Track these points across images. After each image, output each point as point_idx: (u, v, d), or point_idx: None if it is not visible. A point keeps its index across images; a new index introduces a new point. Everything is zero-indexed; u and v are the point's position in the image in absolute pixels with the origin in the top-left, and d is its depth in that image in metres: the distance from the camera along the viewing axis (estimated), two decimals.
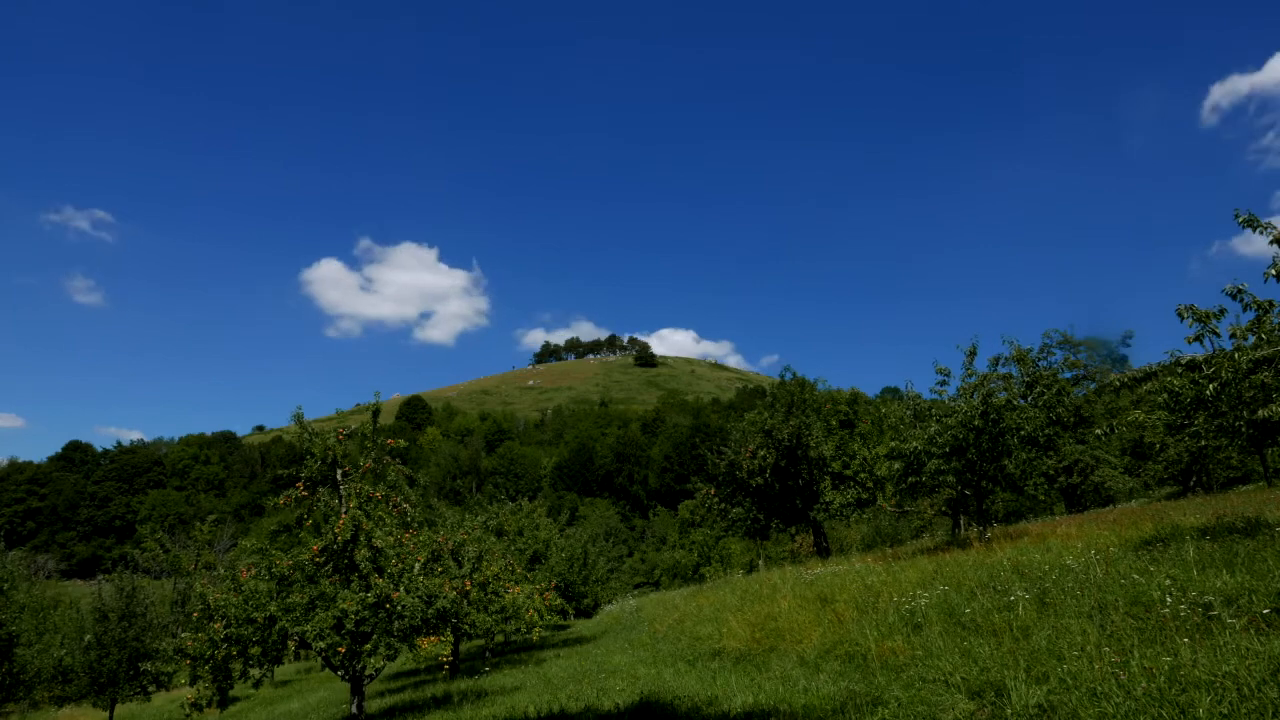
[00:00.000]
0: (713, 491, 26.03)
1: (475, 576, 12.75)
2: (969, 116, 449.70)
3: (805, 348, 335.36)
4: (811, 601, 12.05)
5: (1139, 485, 32.93)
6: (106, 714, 23.71)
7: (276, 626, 10.43)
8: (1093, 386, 30.01)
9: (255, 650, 10.65)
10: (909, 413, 18.47)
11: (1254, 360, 8.12)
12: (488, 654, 20.16)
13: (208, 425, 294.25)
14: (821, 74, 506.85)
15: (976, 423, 15.45)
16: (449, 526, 15.64)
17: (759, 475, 23.89)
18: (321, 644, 10.36)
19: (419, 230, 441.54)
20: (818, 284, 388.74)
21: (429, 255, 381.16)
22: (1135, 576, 7.96)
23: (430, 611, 11.08)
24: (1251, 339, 8.28)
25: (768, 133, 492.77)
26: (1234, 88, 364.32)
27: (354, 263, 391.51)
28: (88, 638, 22.36)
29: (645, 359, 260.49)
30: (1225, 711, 4.54)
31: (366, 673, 11.32)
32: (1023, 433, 15.72)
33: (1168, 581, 7.43)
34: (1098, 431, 11.03)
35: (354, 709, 11.53)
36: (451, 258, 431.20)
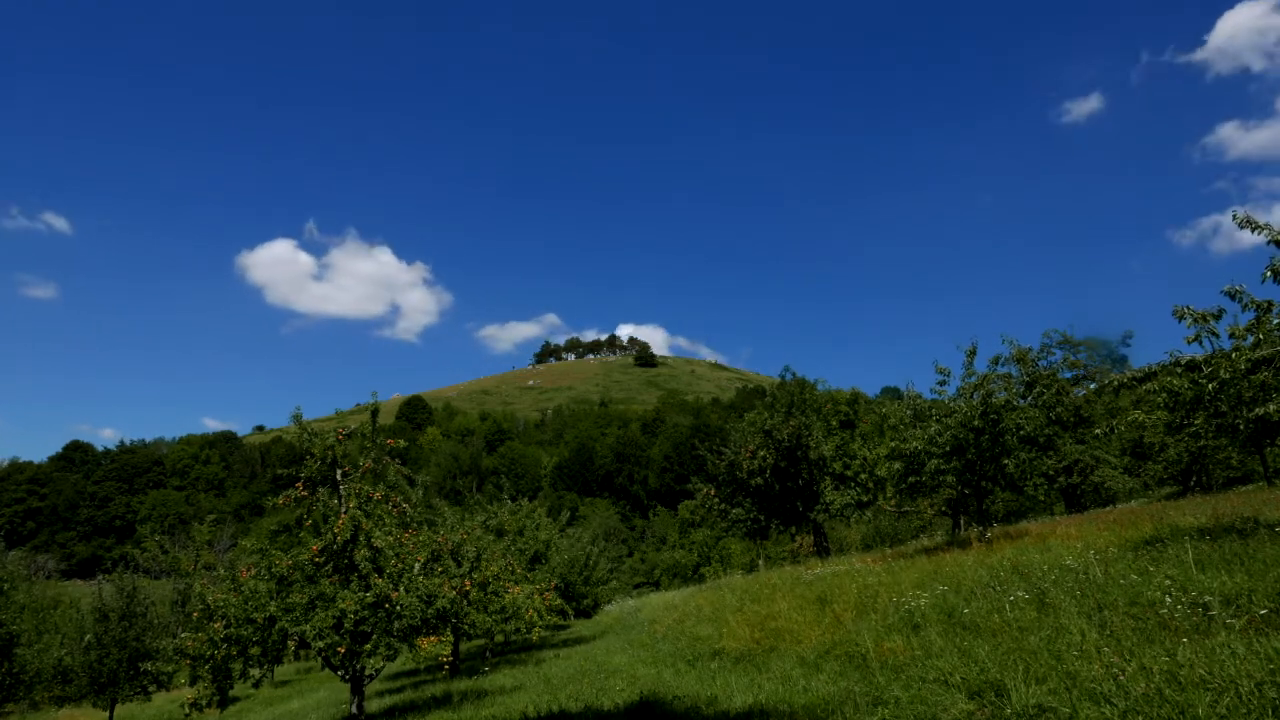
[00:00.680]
0: (713, 492, 26.02)
1: (475, 576, 12.75)
2: (969, 113, 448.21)
3: (779, 343, 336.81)
4: (811, 602, 12.05)
5: (1139, 485, 32.91)
6: (106, 714, 23.71)
7: (276, 626, 10.43)
8: (1093, 386, 29.98)
9: (255, 650, 10.65)
10: (909, 413, 18.47)
11: (1253, 360, 8.13)
12: (488, 654, 20.16)
13: (183, 427, 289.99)
14: (818, 71, 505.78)
15: (976, 423, 15.45)
16: (449, 526, 15.63)
17: (759, 475, 23.89)
18: (321, 644, 10.36)
19: (376, 228, 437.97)
20: (799, 283, 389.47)
21: (383, 252, 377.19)
22: (1135, 577, 7.96)
23: (430, 611, 11.08)
24: (1250, 339, 8.29)
25: (760, 129, 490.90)
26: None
27: (313, 254, 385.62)
28: (88, 638, 22.35)
29: (645, 359, 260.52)
30: (1224, 712, 4.54)
31: (366, 673, 11.33)
32: (1022, 433, 15.73)
33: (1167, 582, 7.43)
34: (1097, 431, 11.04)
35: (354, 709, 11.53)
36: (406, 254, 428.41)
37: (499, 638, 15.59)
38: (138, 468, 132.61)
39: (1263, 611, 6.00)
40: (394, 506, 12.10)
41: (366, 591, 10.68)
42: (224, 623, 10.57)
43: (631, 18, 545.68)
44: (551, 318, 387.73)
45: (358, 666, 11.00)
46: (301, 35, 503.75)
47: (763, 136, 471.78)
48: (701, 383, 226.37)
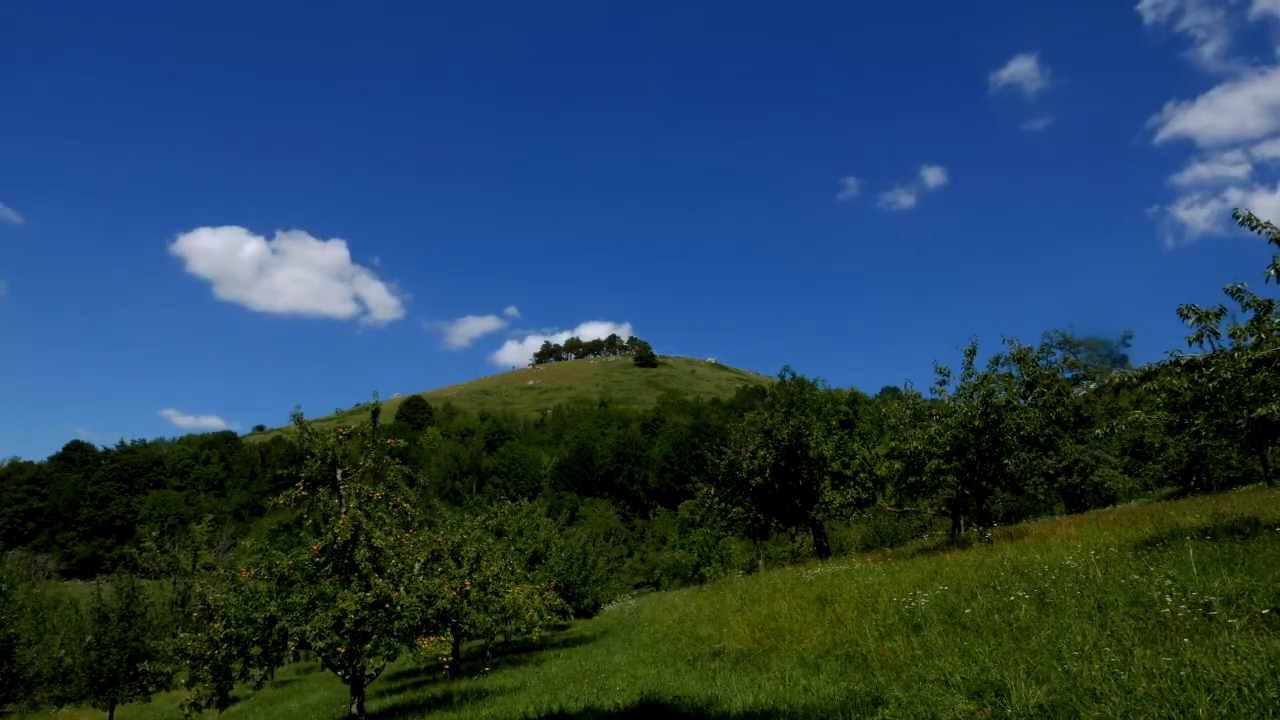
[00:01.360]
0: (713, 491, 26.04)
1: (475, 576, 12.75)
2: (965, 111, 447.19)
3: (779, 343, 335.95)
4: (811, 602, 12.05)
5: (1139, 485, 32.92)
6: (106, 714, 23.69)
7: (276, 626, 10.42)
8: (1093, 386, 30.00)
9: (255, 650, 10.64)
10: (909, 412, 18.48)
11: (1254, 360, 8.13)
12: (488, 654, 20.16)
13: (144, 424, 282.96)
14: (813, 67, 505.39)
15: (977, 423, 15.46)
16: (449, 526, 15.63)
17: (759, 475, 23.90)
18: (321, 644, 10.35)
19: (323, 224, 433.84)
20: (799, 284, 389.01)
21: (335, 247, 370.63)
22: (1135, 577, 7.96)
23: (430, 611, 11.08)
24: (1251, 339, 8.28)
25: (759, 127, 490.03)
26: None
27: (261, 241, 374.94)
28: (88, 638, 22.34)
29: (645, 359, 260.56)
30: (1225, 711, 4.54)
31: (366, 673, 11.32)
32: (1023, 433, 15.74)
33: (1168, 582, 7.42)
34: (1098, 431, 11.05)
35: (354, 709, 11.52)
36: (360, 252, 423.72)
37: (499, 638, 15.59)
38: (138, 468, 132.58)
39: (1264, 611, 6.00)
40: (394, 506, 12.09)
41: (367, 591, 10.68)
42: (224, 623, 10.57)
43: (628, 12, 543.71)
44: (512, 309, 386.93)
45: (358, 667, 10.98)
46: (257, 27, 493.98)
47: (762, 134, 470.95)
48: (701, 383, 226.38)
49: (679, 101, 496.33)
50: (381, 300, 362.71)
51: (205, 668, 10.71)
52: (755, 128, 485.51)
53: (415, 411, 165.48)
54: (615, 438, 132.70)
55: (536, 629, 13.35)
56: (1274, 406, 8.10)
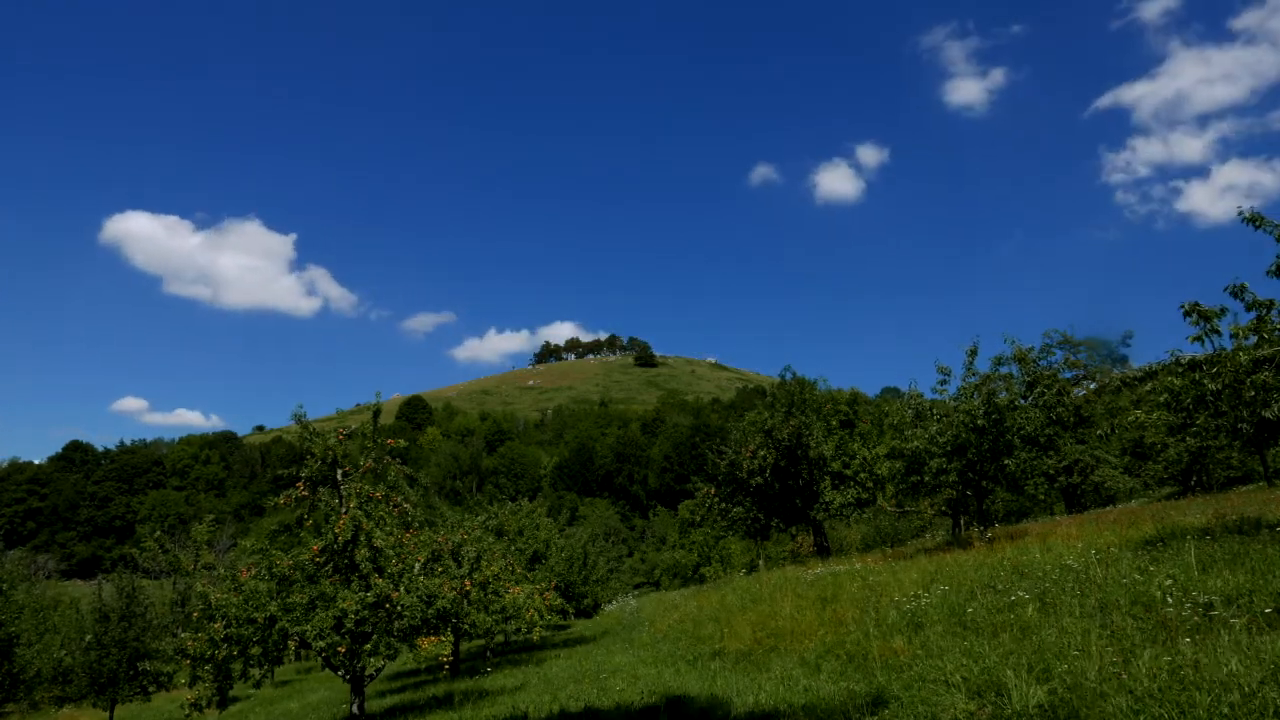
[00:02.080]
0: (713, 491, 26.03)
1: (475, 576, 12.75)
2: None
3: (779, 343, 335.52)
4: (812, 602, 12.05)
5: (1139, 485, 32.91)
6: (106, 714, 23.69)
7: (276, 626, 10.43)
8: (1093, 386, 29.99)
9: (255, 650, 10.65)
10: (910, 412, 18.48)
11: (1255, 359, 8.12)
12: (488, 654, 20.15)
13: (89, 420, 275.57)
14: (815, 68, 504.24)
15: (980, 422, 15.46)
16: (449, 526, 15.63)
17: (759, 475, 23.90)
18: (321, 644, 10.35)
19: (275, 217, 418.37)
20: (799, 283, 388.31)
21: (283, 240, 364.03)
22: (1136, 576, 7.96)
23: (430, 611, 11.08)
24: (1253, 338, 8.28)
25: (755, 125, 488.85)
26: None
27: (196, 229, 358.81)
28: (88, 638, 22.33)
29: (645, 359, 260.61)
30: (1226, 711, 4.53)
31: (367, 673, 11.32)
32: (1024, 432, 15.75)
33: (1168, 581, 7.42)
34: (1098, 431, 11.06)
35: (354, 709, 11.52)
36: (309, 250, 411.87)
37: (499, 638, 15.59)
38: (138, 468, 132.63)
39: (1265, 611, 6.00)
40: (395, 506, 12.10)
41: (367, 591, 10.68)
42: (224, 623, 10.57)
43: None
44: (461, 305, 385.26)
45: (358, 666, 10.98)
46: (208, 10, 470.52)
47: (760, 133, 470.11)
48: (701, 383, 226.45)
49: (665, 100, 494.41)
50: (334, 294, 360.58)
51: (206, 668, 10.72)
52: (757, 125, 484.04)
53: (415, 411, 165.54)
54: (615, 438, 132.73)
55: (537, 629, 13.35)
56: (1275, 407, 8.10)
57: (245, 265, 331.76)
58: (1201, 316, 8.22)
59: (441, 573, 11.97)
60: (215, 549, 45.87)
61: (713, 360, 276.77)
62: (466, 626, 12.55)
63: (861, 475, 24.50)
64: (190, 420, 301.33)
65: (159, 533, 45.80)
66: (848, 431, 26.33)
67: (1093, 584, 8.17)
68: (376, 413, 12.97)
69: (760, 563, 32.29)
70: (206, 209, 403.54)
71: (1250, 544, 8.34)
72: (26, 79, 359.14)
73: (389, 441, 12.57)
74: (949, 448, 15.72)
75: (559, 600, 15.80)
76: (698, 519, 36.20)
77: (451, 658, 17.30)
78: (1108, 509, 25.08)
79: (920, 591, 10.14)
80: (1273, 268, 7.48)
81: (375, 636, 10.65)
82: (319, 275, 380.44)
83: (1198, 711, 4.59)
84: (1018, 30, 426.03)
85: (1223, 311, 8.20)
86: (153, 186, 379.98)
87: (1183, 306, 8.33)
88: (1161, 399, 9.69)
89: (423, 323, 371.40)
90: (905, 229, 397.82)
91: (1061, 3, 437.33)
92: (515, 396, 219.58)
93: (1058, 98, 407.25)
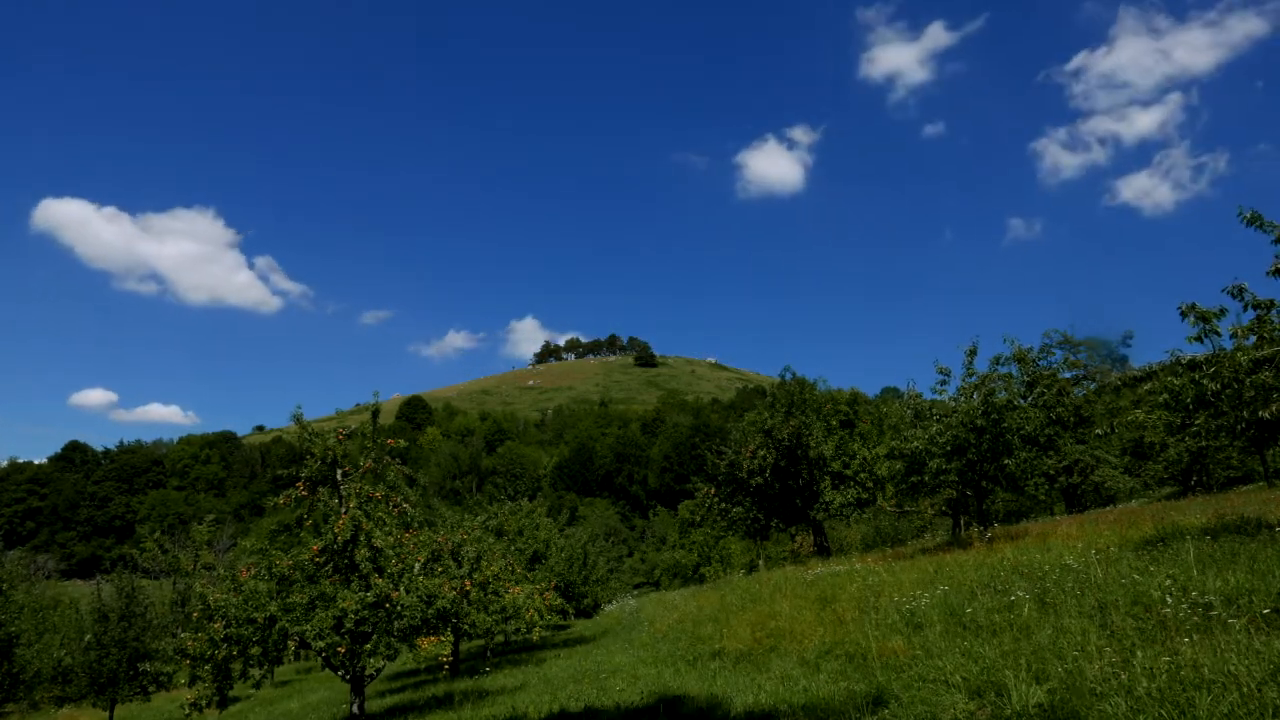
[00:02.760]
0: (713, 491, 26.04)
1: (475, 576, 12.75)
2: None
3: (779, 343, 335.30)
4: (812, 602, 12.05)
5: (1139, 485, 32.92)
6: (106, 714, 23.69)
7: (276, 626, 10.43)
8: (1093, 386, 30.01)
9: (255, 650, 10.65)
10: (910, 412, 18.48)
11: (1255, 360, 8.12)
12: (488, 654, 20.16)
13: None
14: (811, 67, 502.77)
15: (979, 422, 15.46)
16: (449, 526, 15.63)
17: (759, 475, 23.90)
18: (321, 644, 10.36)
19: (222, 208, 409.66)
20: (799, 283, 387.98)
21: (225, 230, 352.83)
22: (1136, 576, 7.96)
23: (430, 611, 11.08)
24: (1252, 339, 8.28)
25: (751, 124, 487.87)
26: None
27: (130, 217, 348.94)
28: (87, 638, 22.33)
29: (645, 359, 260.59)
30: (1225, 711, 4.54)
31: (367, 673, 11.32)
32: (1023, 432, 15.74)
33: (1168, 581, 7.42)
34: (1098, 431, 11.06)
35: (354, 709, 11.53)
36: (253, 245, 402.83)
37: (499, 638, 15.60)
38: (137, 468, 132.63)
39: (1264, 611, 6.00)
40: (394, 506, 12.10)
41: (367, 591, 10.68)
42: (224, 623, 10.57)
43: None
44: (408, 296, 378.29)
45: (358, 666, 10.99)
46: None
47: (755, 131, 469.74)
48: (701, 383, 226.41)
49: (664, 100, 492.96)
50: (286, 288, 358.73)
51: (205, 668, 10.72)
52: (753, 124, 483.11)
53: (415, 411, 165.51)
54: (615, 438, 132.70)
55: (536, 629, 13.35)
56: (1275, 408, 8.09)
57: (190, 255, 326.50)
58: (1199, 317, 8.22)
59: (441, 573, 11.97)
60: (215, 549, 45.88)
61: (713, 360, 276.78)
62: (466, 626, 12.55)
63: (861, 475, 24.50)
64: (165, 416, 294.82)
65: (159, 533, 45.83)
66: (848, 431, 26.34)
67: (1092, 584, 8.18)
68: (376, 413, 12.98)
69: (760, 563, 32.29)
70: (144, 198, 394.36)
71: (1250, 544, 8.34)
72: None
73: (389, 441, 12.58)
74: (948, 448, 15.72)
75: (559, 600, 15.80)
76: (698, 519, 36.22)
77: (451, 658, 17.31)
78: (1108, 509, 25.09)
79: (920, 591, 10.14)
80: (1272, 269, 7.48)
81: (375, 636, 10.65)
82: (267, 265, 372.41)
83: (1197, 712, 4.59)
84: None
85: (1222, 312, 8.20)
86: (85, 175, 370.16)
87: (1180, 307, 8.33)
88: (1161, 399, 9.69)
89: (375, 317, 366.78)
90: (906, 228, 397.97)
91: None
92: (515, 396, 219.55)
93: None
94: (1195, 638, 5.81)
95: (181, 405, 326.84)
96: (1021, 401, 16.91)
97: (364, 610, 10.47)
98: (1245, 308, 8.11)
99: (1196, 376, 8.70)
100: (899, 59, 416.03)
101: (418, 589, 10.97)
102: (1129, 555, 9.44)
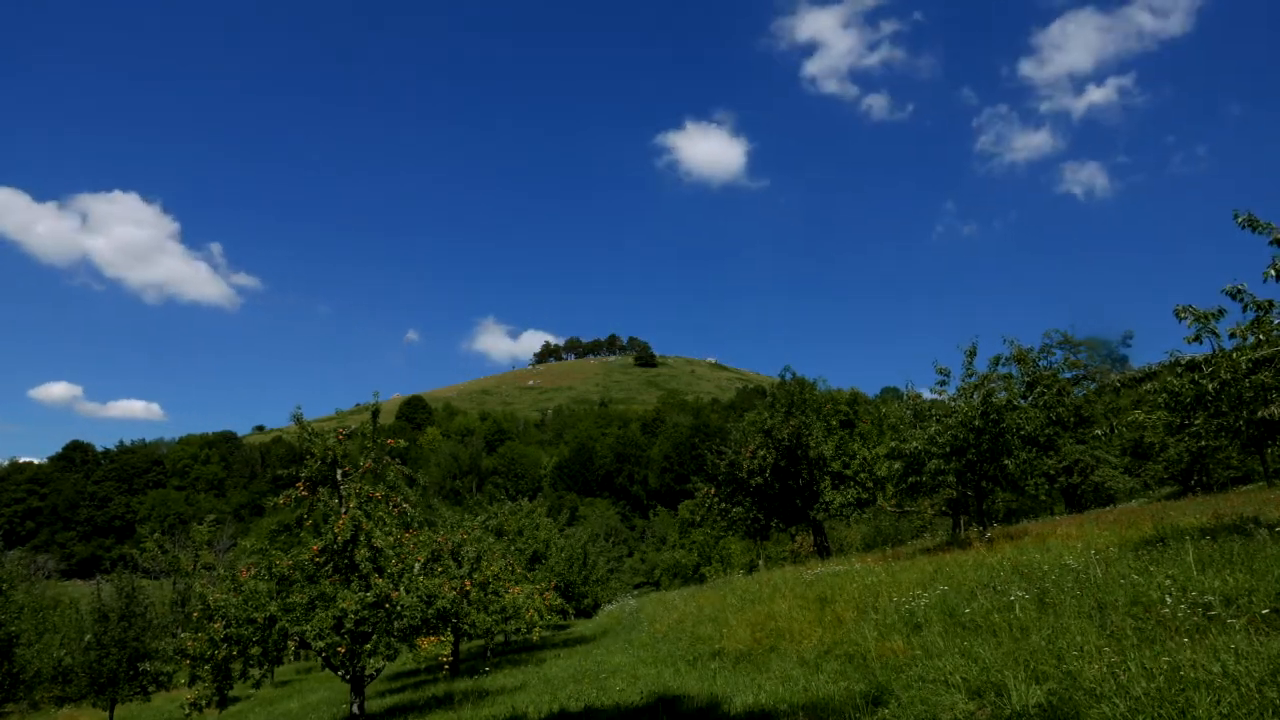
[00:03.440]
0: (713, 491, 26.04)
1: (475, 576, 12.76)
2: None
3: (779, 343, 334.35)
4: (812, 602, 12.05)
5: (1139, 485, 32.92)
6: (106, 714, 23.70)
7: (276, 626, 10.43)
8: (1093, 386, 30.00)
9: (255, 650, 10.66)
10: (909, 412, 18.48)
11: (1254, 360, 8.13)
12: (488, 654, 20.16)
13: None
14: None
15: (977, 423, 15.46)
16: (449, 526, 15.64)
17: (759, 475, 23.90)
18: (321, 644, 10.36)
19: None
20: (799, 283, 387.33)
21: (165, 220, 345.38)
22: (1135, 577, 7.96)
23: (430, 611, 11.09)
24: (1251, 339, 8.28)
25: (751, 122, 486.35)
26: None
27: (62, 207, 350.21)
28: (87, 638, 22.34)
29: (645, 359, 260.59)
30: (1225, 711, 4.54)
31: (367, 673, 11.33)
32: (1023, 433, 15.74)
33: (1167, 581, 7.42)
34: (1098, 432, 11.06)
35: (354, 709, 11.53)
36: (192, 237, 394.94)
37: (499, 638, 15.62)
38: (137, 468, 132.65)
39: (1264, 611, 6.00)
40: (394, 506, 12.11)
41: (367, 591, 10.69)
42: (224, 623, 10.58)
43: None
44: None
45: (358, 666, 11.00)
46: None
47: (756, 130, 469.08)
48: (701, 383, 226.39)
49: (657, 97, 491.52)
50: (237, 282, 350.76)
51: (205, 668, 10.73)
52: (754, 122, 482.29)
53: (415, 411, 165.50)
54: (615, 438, 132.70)
55: (536, 629, 13.36)
56: (1274, 408, 8.10)
57: (134, 244, 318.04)
58: (1196, 318, 8.22)
59: (441, 573, 11.98)
60: (215, 549, 45.88)
61: (713, 360, 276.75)
62: (466, 626, 12.56)
63: (861, 475, 24.51)
64: (134, 411, 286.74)
65: (159, 533, 45.83)
66: (848, 431, 26.35)
67: (1092, 584, 8.18)
68: (375, 413, 12.98)
69: (760, 563, 32.31)
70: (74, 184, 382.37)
71: (1249, 544, 8.35)
72: None
73: (389, 441, 12.58)
74: (947, 448, 15.72)
75: (559, 600, 15.81)
76: (698, 519, 36.24)
77: (451, 658, 17.31)
78: (1107, 509, 25.09)
79: (919, 591, 10.14)
80: (1270, 271, 7.48)
81: (375, 636, 10.66)
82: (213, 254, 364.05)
83: (1196, 712, 4.60)
84: None
85: (1220, 313, 8.20)
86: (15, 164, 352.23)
87: (1177, 309, 8.33)
88: (1161, 399, 9.69)
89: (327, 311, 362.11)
90: (906, 228, 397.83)
91: None
92: (515, 396, 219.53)
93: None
94: (1195, 638, 5.81)
95: (147, 399, 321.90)
96: (1021, 402, 16.92)
97: (364, 610, 10.48)
98: (1244, 308, 8.11)
99: (1195, 377, 8.71)
100: None
101: (418, 589, 10.98)
102: (1128, 555, 9.45)
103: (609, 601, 28.59)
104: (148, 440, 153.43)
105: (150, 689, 23.12)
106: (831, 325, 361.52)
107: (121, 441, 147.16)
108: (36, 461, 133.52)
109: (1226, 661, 5.12)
